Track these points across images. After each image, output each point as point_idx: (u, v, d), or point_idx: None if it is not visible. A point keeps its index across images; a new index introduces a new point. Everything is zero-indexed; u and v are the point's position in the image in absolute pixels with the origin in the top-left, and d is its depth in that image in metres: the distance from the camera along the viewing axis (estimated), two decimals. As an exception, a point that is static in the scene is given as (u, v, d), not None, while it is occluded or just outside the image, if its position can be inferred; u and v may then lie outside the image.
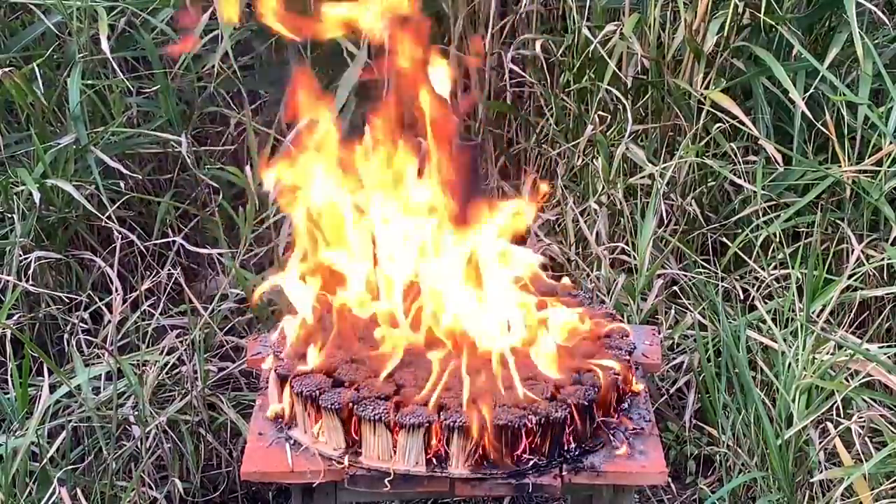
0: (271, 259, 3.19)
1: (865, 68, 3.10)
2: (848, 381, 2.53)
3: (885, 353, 2.61)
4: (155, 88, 3.32)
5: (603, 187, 3.22)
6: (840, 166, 3.12)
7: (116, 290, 2.77)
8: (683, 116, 3.26)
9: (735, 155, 3.21)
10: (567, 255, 3.18)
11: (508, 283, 2.28)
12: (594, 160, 3.27)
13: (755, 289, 3.03)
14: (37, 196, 2.91)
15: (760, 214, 3.12)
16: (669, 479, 2.47)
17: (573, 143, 3.35)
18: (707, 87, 3.23)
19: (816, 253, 2.81)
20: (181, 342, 2.83)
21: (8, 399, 2.64)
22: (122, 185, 3.24)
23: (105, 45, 3.02)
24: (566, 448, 2.13)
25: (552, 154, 3.41)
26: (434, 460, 2.09)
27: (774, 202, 3.18)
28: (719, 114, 3.21)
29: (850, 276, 2.81)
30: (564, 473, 2.12)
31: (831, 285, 2.75)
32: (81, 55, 3.14)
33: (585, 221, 3.19)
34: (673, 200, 3.23)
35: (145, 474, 2.66)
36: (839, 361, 2.56)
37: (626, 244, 3.15)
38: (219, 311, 3.00)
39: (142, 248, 3.10)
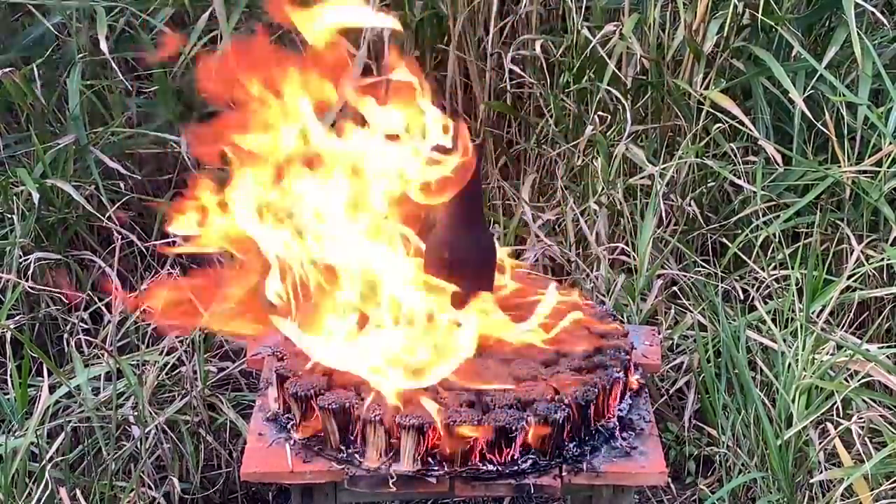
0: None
1: (865, 68, 3.10)
2: (848, 381, 2.53)
3: (884, 354, 2.61)
4: (154, 89, 3.32)
5: (603, 188, 3.22)
6: (840, 166, 3.12)
7: (116, 290, 2.77)
8: (683, 117, 3.26)
9: (735, 155, 3.21)
10: (567, 256, 3.18)
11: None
12: (594, 160, 3.28)
13: (755, 289, 3.03)
14: (36, 196, 2.92)
15: (760, 215, 3.12)
16: (669, 480, 2.47)
17: (573, 143, 3.35)
18: (707, 88, 3.23)
19: (816, 253, 2.81)
20: (181, 342, 2.83)
21: (8, 399, 2.64)
22: (121, 185, 3.24)
23: (104, 46, 3.02)
24: (566, 448, 2.14)
25: (552, 154, 3.42)
26: (433, 460, 2.09)
27: (774, 202, 3.19)
28: (719, 114, 3.21)
29: (849, 277, 2.81)
30: (564, 474, 2.12)
31: (831, 286, 2.75)
32: (81, 56, 3.14)
33: (585, 222, 3.19)
34: (673, 201, 3.23)
35: (145, 474, 2.66)
36: (839, 362, 2.56)
37: (626, 244, 3.15)
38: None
39: (142, 248, 3.10)
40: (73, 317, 2.92)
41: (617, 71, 3.28)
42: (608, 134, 3.31)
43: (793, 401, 2.55)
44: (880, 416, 2.52)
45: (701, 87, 3.24)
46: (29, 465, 2.47)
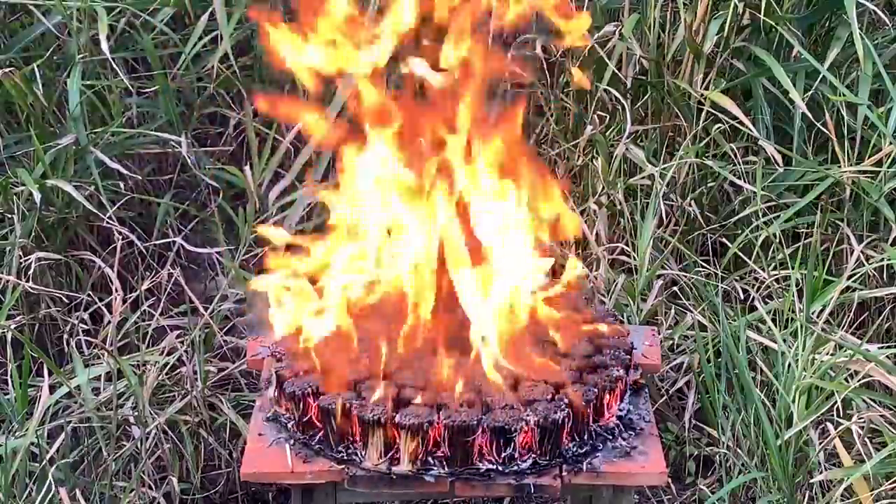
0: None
1: (865, 69, 3.10)
2: (848, 381, 2.53)
3: (884, 354, 2.61)
4: (154, 89, 3.32)
5: (603, 188, 3.21)
6: (840, 167, 3.12)
7: (116, 291, 2.77)
8: (683, 117, 3.26)
9: (735, 155, 3.21)
10: (567, 256, 3.18)
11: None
12: (594, 160, 3.27)
13: (755, 289, 3.03)
14: (37, 196, 2.91)
15: (760, 215, 3.12)
16: (669, 480, 2.47)
17: (573, 143, 3.35)
18: (707, 88, 3.23)
19: (816, 253, 2.81)
20: (181, 342, 2.83)
21: (8, 400, 2.64)
22: (121, 185, 3.24)
23: (105, 46, 3.02)
24: (566, 448, 2.14)
25: (552, 154, 3.41)
26: (433, 460, 2.09)
27: (774, 203, 3.18)
28: (719, 114, 3.21)
29: (849, 277, 2.81)
30: (564, 474, 2.12)
31: (831, 286, 2.75)
32: (81, 55, 3.14)
33: (585, 222, 3.19)
34: (673, 201, 3.23)
35: (145, 475, 2.66)
36: (839, 362, 2.56)
37: (626, 244, 3.15)
38: (219, 311, 3.00)
39: (142, 248, 3.10)
40: (73, 317, 2.92)
41: (617, 71, 3.28)
42: (608, 134, 3.30)
43: (793, 401, 2.55)
44: (880, 416, 2.52)
45: (701, 87, 3.23)
46: (29, 465, 2.47)
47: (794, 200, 3.18)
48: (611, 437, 2.20)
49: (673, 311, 3.05)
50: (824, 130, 3.13)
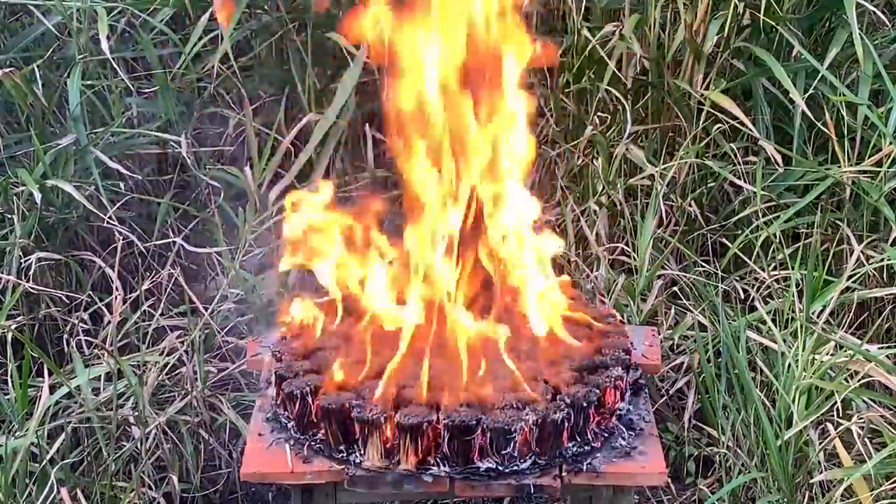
0: (271, 260, 3.19)
1: (865, 69, 3.10)
2: (848, 381, 2.53)
3: (884, 354, 2.61)
4: (154, 89, 3.33)
5: (603, 188, 3.22)
6: (840, 167, 3.12)
7: (116, 291, 2.77)
8: (683, 117, 3.26)
9: (735, 156, 3.21)
10: (567, 256, 3.18)
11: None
12: (594, 161, 3.28)
13: (755, 289, 3.03)
14: (37, 196, 2.91)
15: (760, 215, 3.12)
16: (669, 480, 2.47)
17: (573, 143, 3.35)
18: (707, 88, 3.23)
19: (816, 253, 2.81)
20: (181, 343, 2.83)
21: (8, 400, 2.64)
22: (121, 185, 3.24)
23: (105, 46, 3.02)
24: (566, 448, 2.14)
25: (552, 154, 3.41)
26: (433, 460, 2.09)
27: (774, 203, 3.19)
28: (719, 114, 3.21)
29: (849, 277, 2.80)
30: (564, 474, 2.12)
31: (831, 286, 2.75)
32: (81, 56, 3.14)
33: (585, 221, 3.19)
34: (673, 201, 3.23)
35: (145, 475, 2.66)
36: (839, 362, 2.56)
37: (626, 245, 3.15)
38: (219, 311, 3.00)
39: (142, 248, 3.10)
40: (73, 317, 2.92)
41: (617, 71, 3.28)
42: (608, 134, 3.31)
43: (793, 401, 2.54)
44: (880, 416, 2.52)
45: (701, 87, 3.23)
46: (29, 465, 2.47)
47: (794, 200, 3.18)
48: (611, 437, 2.20)
49: (673, 311, 3.05)
50: (824, 130, 3.13)
